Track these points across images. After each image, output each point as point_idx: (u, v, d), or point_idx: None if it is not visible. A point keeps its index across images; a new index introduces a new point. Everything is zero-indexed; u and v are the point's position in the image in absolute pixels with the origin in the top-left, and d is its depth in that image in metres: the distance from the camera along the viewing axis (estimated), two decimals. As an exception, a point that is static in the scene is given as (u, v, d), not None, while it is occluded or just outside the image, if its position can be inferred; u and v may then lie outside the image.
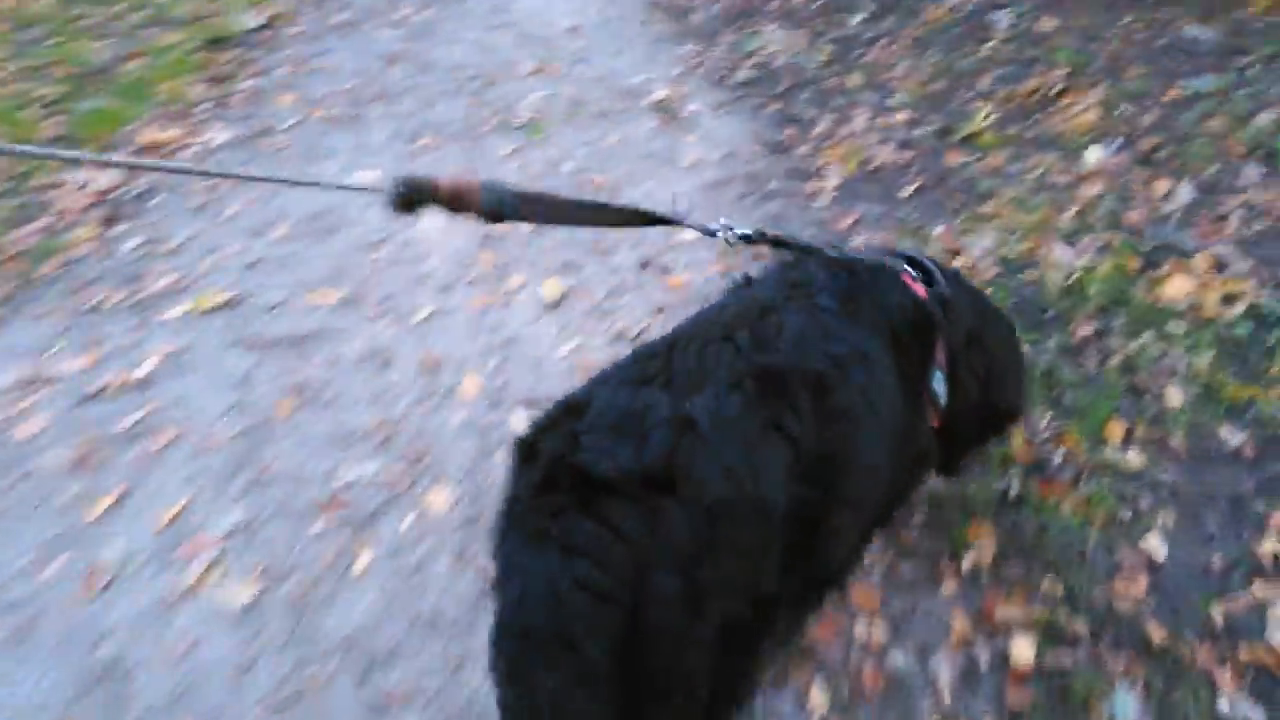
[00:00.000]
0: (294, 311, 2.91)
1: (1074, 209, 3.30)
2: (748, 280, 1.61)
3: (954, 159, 3.73)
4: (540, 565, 1.09)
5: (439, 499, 2.24)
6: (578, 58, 4.92)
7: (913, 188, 3.55)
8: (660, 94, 4.47)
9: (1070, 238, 3.15)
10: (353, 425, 2.48)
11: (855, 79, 4.53)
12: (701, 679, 1.17)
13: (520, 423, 2.49)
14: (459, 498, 2.27)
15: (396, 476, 2.31)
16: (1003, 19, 5.19)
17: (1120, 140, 3.77)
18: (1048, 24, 5.07)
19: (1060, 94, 4.20)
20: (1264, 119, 3.84)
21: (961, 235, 3.22)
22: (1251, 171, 3.49)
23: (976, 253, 3.16)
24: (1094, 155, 3.67)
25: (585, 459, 1.14)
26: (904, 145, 3.86)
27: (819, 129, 4.08)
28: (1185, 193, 3.37)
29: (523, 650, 1.09)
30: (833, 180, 3.65)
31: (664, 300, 3.01)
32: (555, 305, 2.96)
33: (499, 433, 2.47)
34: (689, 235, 3.34)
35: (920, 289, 1.61)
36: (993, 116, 3.96)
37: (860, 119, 4.12)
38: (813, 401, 1.27)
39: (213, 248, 3.22)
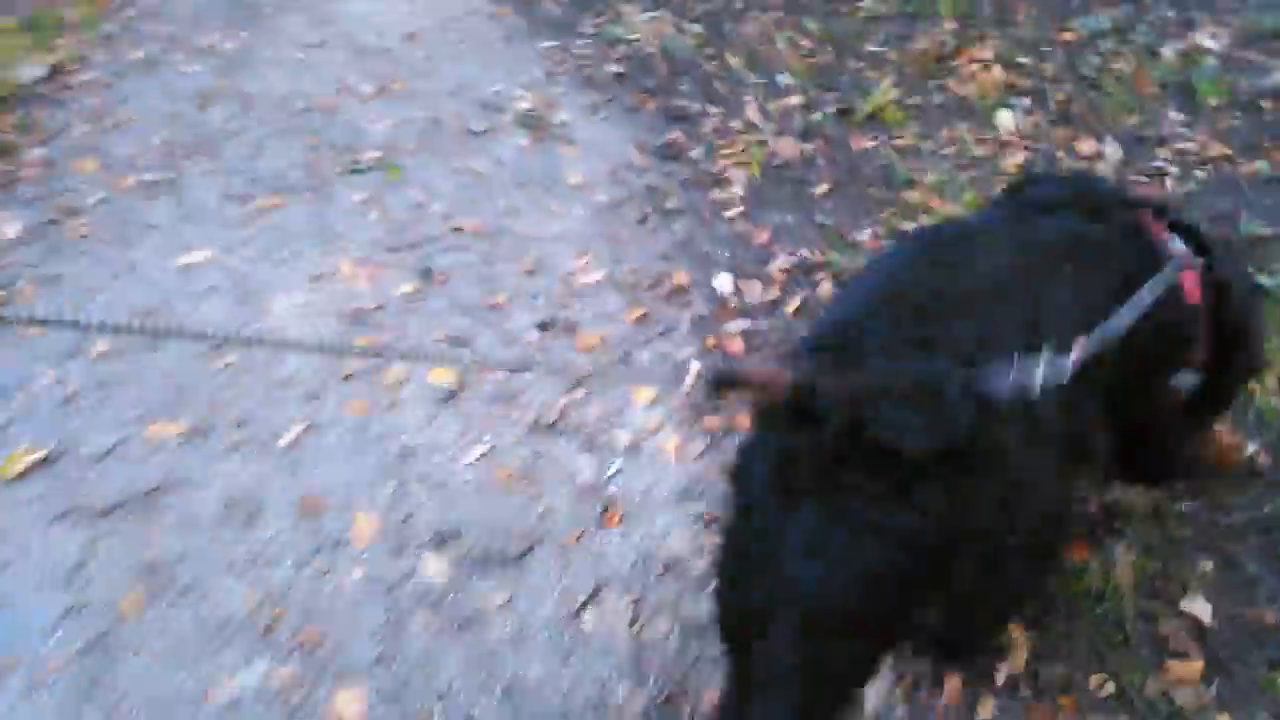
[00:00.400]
0: (129, 459, 2.35)
1: (999, 187, 3.00)
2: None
3: (861, 143, 3.39)
4: (854, 549, 1.09)
5: (349, 707, 1.77)
6: (423, 70, 4.36)
7: (826, 185, 3.19)
8: (525, 103, 3.98)
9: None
10: (224, 613, 1.97)
11: (734, 60, 4.13)
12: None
13: (438, 569, 2.04)
14: (375, 699, 1.80)
15: (289, 681, 1.83)
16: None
17: (1029, 99, 3.49)
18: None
19: (955, 51, 3.91)
20: (1168, 53, 3.64)
21: (892, 236, 2.88)
22: (1173, 115, 3.27)
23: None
24: (1007, 119, 3.39)
25: (886, 434, 1.05)
26: (805, 134, 3.49)
27: (708, 125, 3.67)
28: (1112, 151, 3.12)
29: (828, 626, 1.12)
30: (738, 187, 3.25)
31: (580, 366, 2.58)
32: (451, 397, 2.49)
33: (412, 587, 2.01)
34: (592, 275, 2.90)
35: (1192, 285, 1.44)
36: (891, 88, 3.63)
37: (751, 107, 3.72)
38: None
39: (14, 383, 2.60)
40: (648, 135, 3.67)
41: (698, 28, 4.52)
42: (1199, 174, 2.96)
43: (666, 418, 2.37)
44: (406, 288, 2.89)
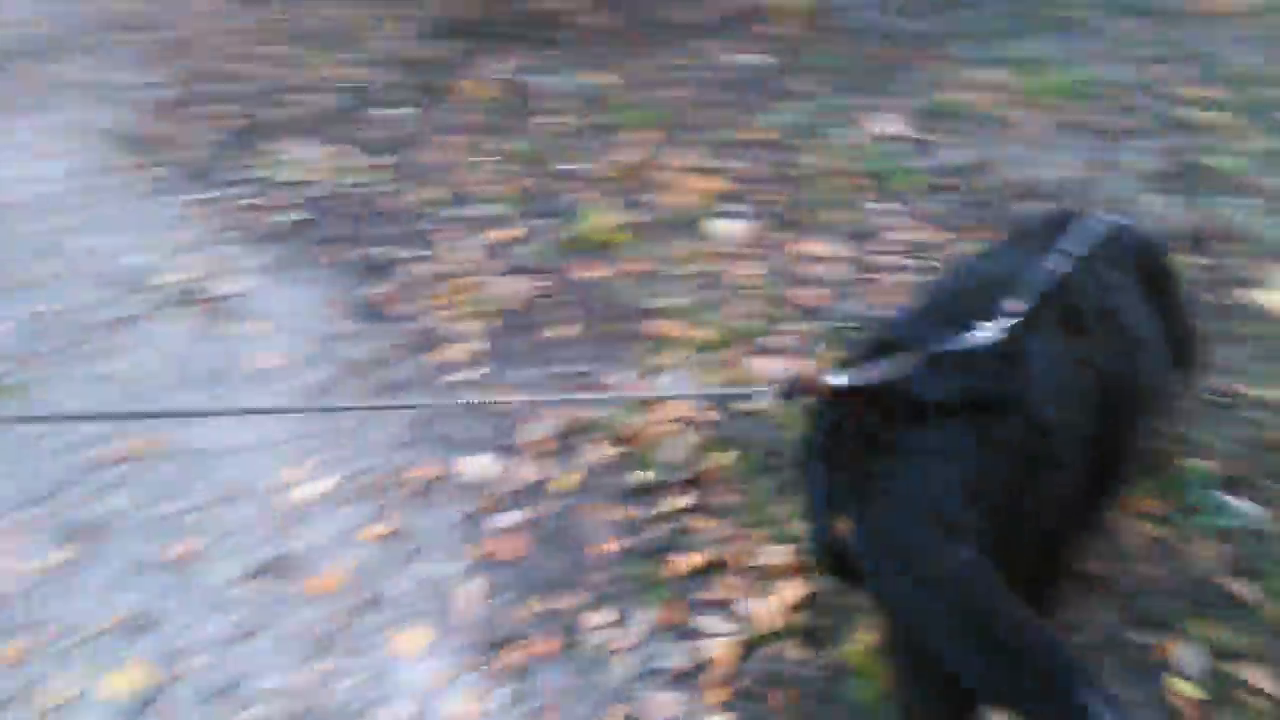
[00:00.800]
0: None
1: (746, 305, 2.83)
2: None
3: (590, 272, 3.11)
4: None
5: None
6: (46, 247, 3.54)
7: (564, 327, 2.86)
8: (181, 273, 3.32)
9: (763, 341, 2.67)
10: None
11: (431, 192, 3.74)
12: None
13: None
14: None
15: None
16: (547, 82, 4.73)
17: (743, 205, 3.41)
18: (598, 78, 4.71)
19: (659, 160, 3.79)
20: (858, 141, 3.73)
21: (654, 378, 2.59)
22: (879, 206, 3.30)
23: (673, 392, 2.55)
24: (726, 228, 3.27)
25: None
26: (529, 271, 3.16)
27: (417, 272, 3.23)
28: (843, 249, 3.07)
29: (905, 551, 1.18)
30: (466, 343, 2.83)
31: (315, 625, 1.99)
32: (147, 706, 1.81)
33: None
34: (313, 487, 2.33)
35: None
36: (607, 208, 3.41)
37: (463, 246, 3.34)
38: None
39: None
40: (347, 294, 3.15)
41: (384, 158, 4.08)
42: (912, 262, 2.96)
43: (452, 664, 1.86)
44: (50, 558, 2.15)
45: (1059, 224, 1.59)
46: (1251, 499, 1.86)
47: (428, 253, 3.33)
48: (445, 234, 3.44)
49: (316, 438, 2.51)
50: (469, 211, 3.58)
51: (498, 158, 3.99)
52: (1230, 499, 1.85)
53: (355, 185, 3.86)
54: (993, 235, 3.01)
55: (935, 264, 2.90)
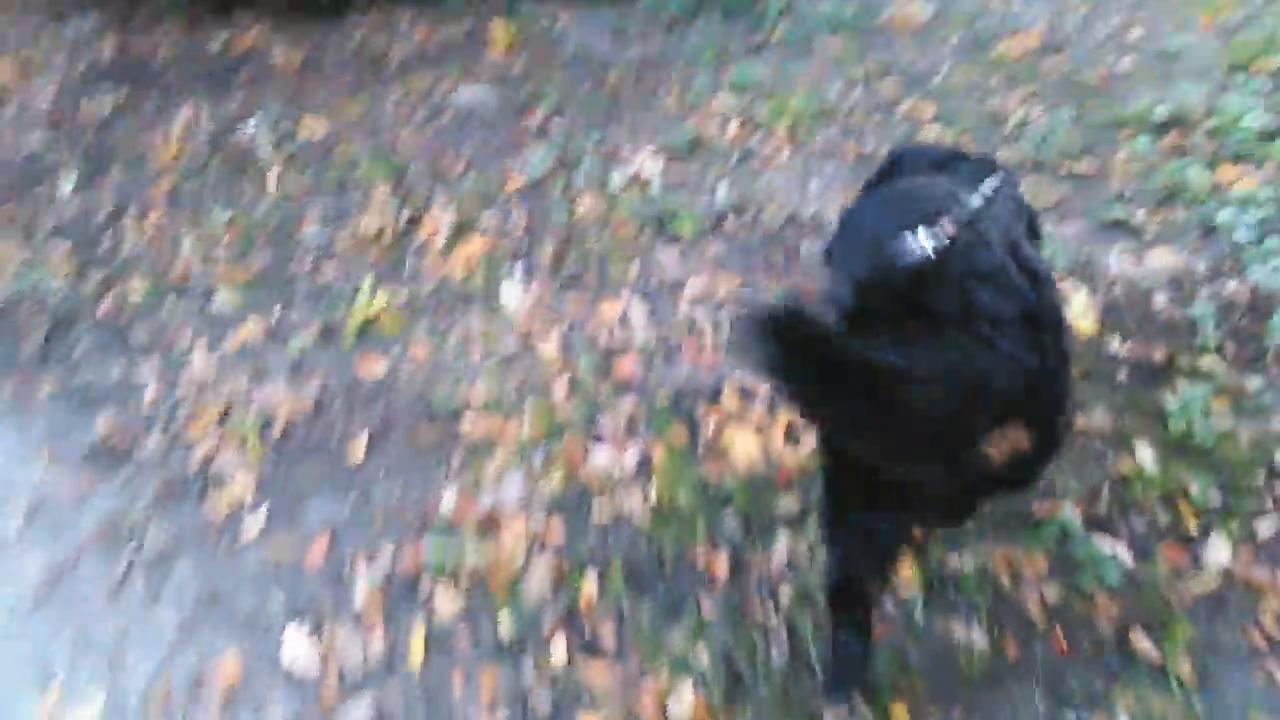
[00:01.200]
0: None
1: (561, 387, 2.62)
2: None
3: (375, 368, 2.74)
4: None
5: None
6: None
7: (358, 441, 2.47)
8: None
9: (589, 429, 2.47)
10: None
11: (139, 283, 3.13)
12: None
13: None
14: None
15: None
16: (259, 134, 4.18)
17: (521, 264, 3.17)
18: (312, 126, 4.21)
19: (412, 222, 3.44)
20: (613, 182, 3.62)
21: (477, 491, 2.30)
22: (664, 254, 3.21)
23: (512, 507, 2.27)
24: (509, 296, 3.02)
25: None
26: (295, 374, 2.71)
27: (149, 395, 2.67)
28: (640, 307, 2.94)
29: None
30: (239, 478, 2.37)
31: None
32: None
33: None
34: (73, 713, 1.82)
35: None
36: (367, 286, 3.02)
37: (199, 351, 2.81)
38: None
39: None
40: (66, 437, 2.54)
41: (63, 244, 3.36)
42: (711, 314, 2.89)
43: None
44: None
45: (950, 162, 1.77)
46: (1114, 539, 1.95)
47: (160, 366, 2.77)
48: (175, 337, 2.89)
49: (68, 642, 1.97)
50: (197, 305, 3.03)
51: (214, 233, 3.42)
52: (1103, 547, 1.92)
53: (40, 287, 3.14)
54: (779, 277, 3.03)
55: (736, 312, 2.84)
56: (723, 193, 3.48)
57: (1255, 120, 3.29)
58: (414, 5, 5.54)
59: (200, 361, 2.78)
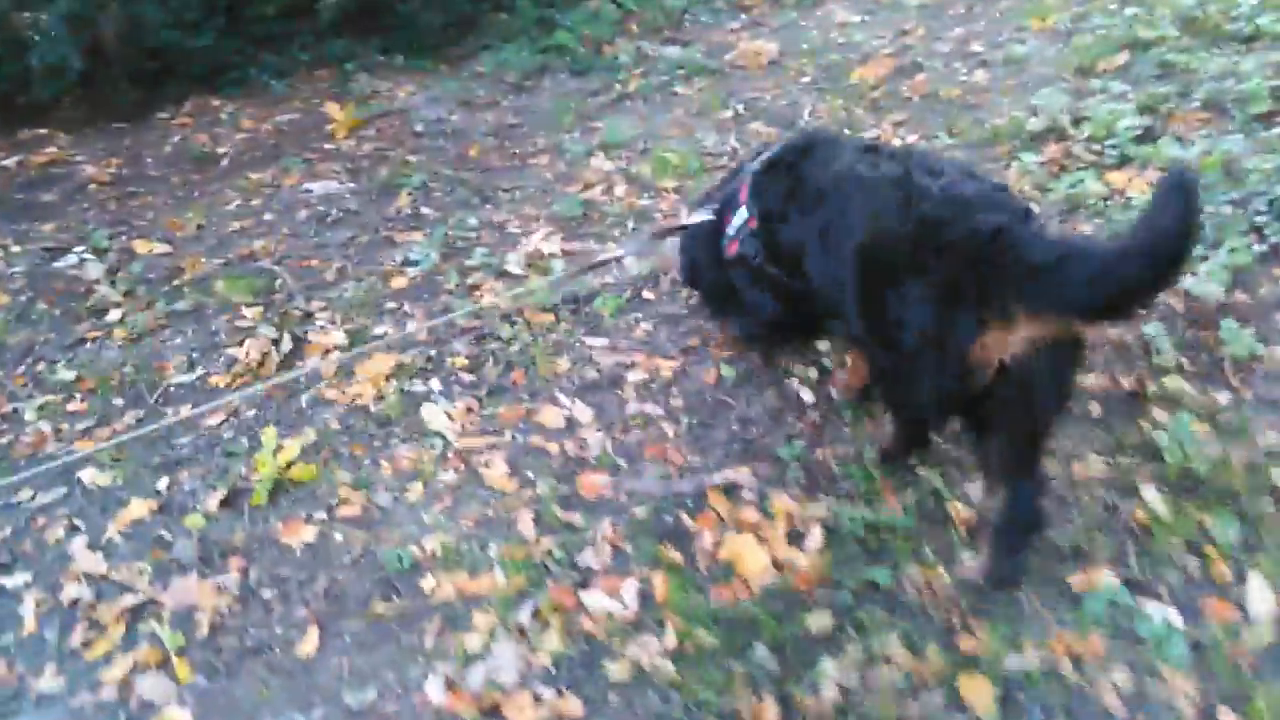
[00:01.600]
0: None
1: (524, 521, 2.33)
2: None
3: (303, 533, 2.36)
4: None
5: None
6: None
7: (306, 632, 2.10)
8: None
9: (571, 570, 2.20)
10: None
11: (-20, 477, 2.60)
12: None
13: None
14: None
15: None
16: (87, 266, 3.68)
17: (443, 382, 2.86)
18: (152, 248, 3.73)
19: (297, 344, 3.07)
20: (518, 269, 3.36)
21: (465, 671, 1.99)
22: (597, 340, 2.97)
23: (512, 683, 1.98)
24: (436, 417, 2.71)
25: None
26: (208, 559, 2.30)
27: (28, 614, 2.19)
28: (583, 409, 2.69)
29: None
30: (168, 715, 1.95)
31: None
32: None
33: None
34: None
35: None
36: (276, 438, 2.62)
37: (78, 553, 2.34)
38: None
39: None
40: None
41: None
42: (661, 407, 2.69)
43: None
44: None
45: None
46: (1159, 603, 1.88)
47: (28, 575, 2.29)
48: (44, 534, 2.40)
49: None
50: (61, 490, 2.54)
51: (60, 395, 2.92)
52: (1153, 613, 1.84)
53: None
54: (720, 345, 2.86)
55: (693, 405, 2.65)
56: (630, 261, 3.27)
57: (1126, 123, 3.40)
58: (231, 94, 5.07)
59: (83, 559, 2.32)
